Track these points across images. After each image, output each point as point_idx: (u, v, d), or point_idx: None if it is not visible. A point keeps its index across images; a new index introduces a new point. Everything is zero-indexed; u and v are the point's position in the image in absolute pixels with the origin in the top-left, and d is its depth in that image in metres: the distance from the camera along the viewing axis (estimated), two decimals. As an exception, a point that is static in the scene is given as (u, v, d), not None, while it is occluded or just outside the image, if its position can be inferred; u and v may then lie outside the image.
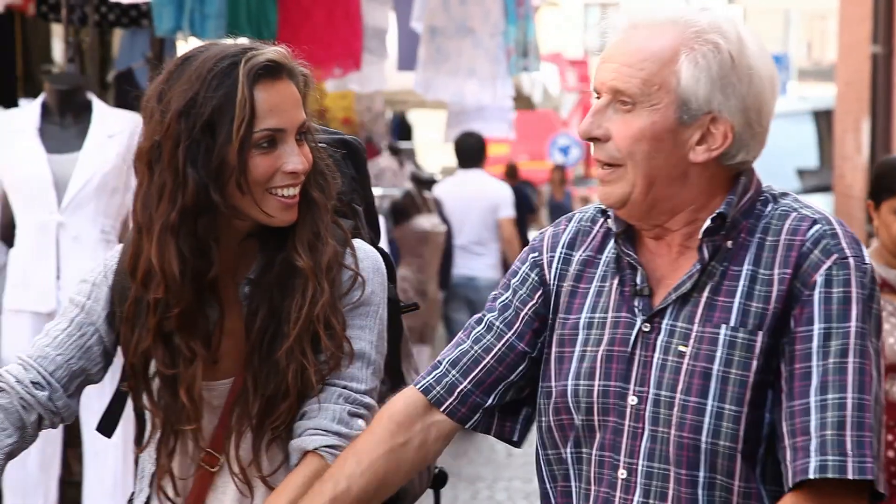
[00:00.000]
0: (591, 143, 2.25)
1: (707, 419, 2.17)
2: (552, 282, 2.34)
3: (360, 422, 2.40)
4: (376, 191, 9.92)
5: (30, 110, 5.28)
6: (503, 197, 9.74)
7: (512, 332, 2.34)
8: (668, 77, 2.20)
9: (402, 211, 9.43)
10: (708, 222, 2.21)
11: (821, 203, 13.01)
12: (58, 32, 6.93)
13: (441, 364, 2.36)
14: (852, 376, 2.14)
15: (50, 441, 5.06)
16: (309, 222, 2.41)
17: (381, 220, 9.83)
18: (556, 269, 2.34)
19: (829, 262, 2.18)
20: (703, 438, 2.18)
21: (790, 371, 2.16)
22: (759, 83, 2.23)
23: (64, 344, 2.46)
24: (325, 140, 2.51)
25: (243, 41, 2.42)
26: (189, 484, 2.45)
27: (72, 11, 5.93)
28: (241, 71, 2.34)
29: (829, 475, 2.11)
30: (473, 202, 9.62)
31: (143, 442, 2.48)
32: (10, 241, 5.22)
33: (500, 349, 2.34)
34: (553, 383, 2.31)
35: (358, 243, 2.47)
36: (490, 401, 2.33)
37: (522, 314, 2.34)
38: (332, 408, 2.40)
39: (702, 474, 2.18)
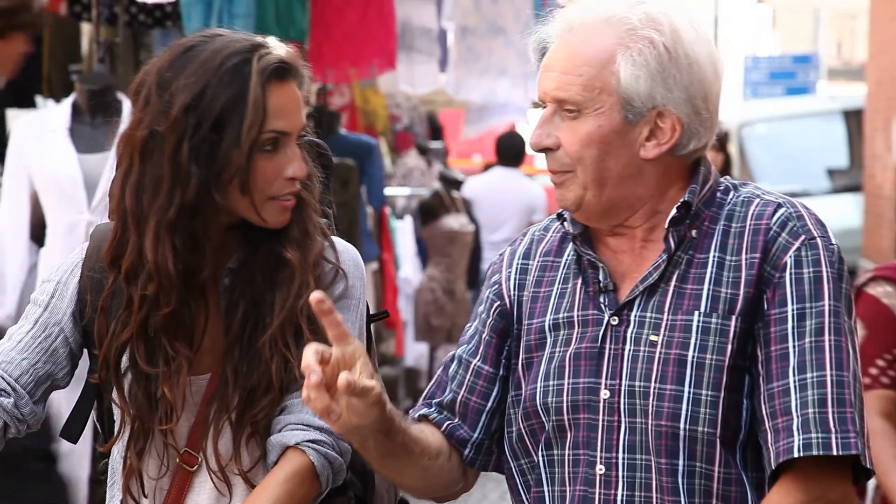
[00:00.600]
0: (544, 154, 2.24)
1: (685, 406, 2.17)
2: (511, 293, 2.33)
3: None
4: (404, 190, 9.96)
5: (60, 110, 5.30)
6: (539, 199, 9.75)
7: (476, 358, 2.34)
8: (608, 79, 2.19)
9: (431, 211, 9.44)
10: (673, 211, 2.21)
11: (851, 203, 12.97)
12: (87, 32, 6.95)
13: (432, 406, 2.35)
14: (830, 354, 2.14)
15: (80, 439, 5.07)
16: (298, 219, 2.37)
17: (409, 220, 9.87)
18: (514, 280, 2.34)
19: (797, 244, 2.19)
20: (682, 426, 2.17)
21: (766, 354, 2.17)
22: (700, 70, 2.22)
23: (29, 347, 2.39)
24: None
25: (249, 35, 2.37)
26: (164, 484, 2.38)
27: (108, 12, 5.94)
28: (254, 69, 2.28)
29: (815, 452, 2.11)
30: (511, 201, 9.63)
31: (109, 441, 2.41)
32: (40, 241, 5.24)
33: (469, 380, 2.34)
34: (522, 389, 2.29)
35: (336, 239, 2.43)
36: (476, 434, 2.32)
37: (484, 336, 2.34)
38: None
39: (681, 462, 2.18)
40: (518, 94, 7.84)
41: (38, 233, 5.25)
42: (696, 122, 2.22)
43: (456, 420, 2.33)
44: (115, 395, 2.36)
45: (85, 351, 2.44)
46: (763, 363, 2.18)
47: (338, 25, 6.03)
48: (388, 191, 8.75)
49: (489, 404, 2.33)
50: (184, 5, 5.45)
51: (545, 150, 2.23)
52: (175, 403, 2.33)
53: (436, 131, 12.44)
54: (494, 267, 2.39)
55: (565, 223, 2.30)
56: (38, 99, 6.52)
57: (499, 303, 2.34)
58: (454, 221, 9.35)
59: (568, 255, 2.31)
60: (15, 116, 6.29)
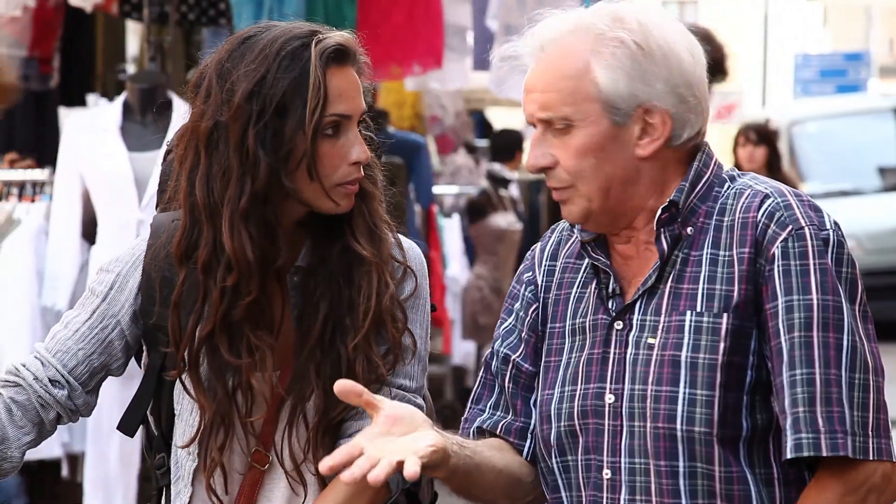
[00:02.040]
0: (544, 174, 2.23)
1: (680, 406, 2.15)
2: (541, 295, 2.34)
3: None
4: (452, 188, 9.97)
5: (112, 109, 5.34)
6: None
7: (517, 354, 2.33)
8: (587, 87, 2.18)
9: (479, 209, 9.43)
10: (659, 212, 2.20)
11: (902, 202, 12.80)
12: (134, 31, 7.00)
13: (485, 411, 2.35)
14: (818, 351, 2.11)
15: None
16: (365, 213, 2.35)
17: (457, 218, 9.84)
18: (543, 281, 2.34)
19: (784, 234, 2.15)
20: (679, 426, 2.15)
21: (769, 349, 2.15)
22: (677, 58, 2.19)
23: (85, 337, 2.36)
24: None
25: (304, 23, 2.37)
26: (236, 483, 2.37)
27: (153, 11, 5.98)
28: (314, 53, 2.27)
29: (805, 453, 2.09)
30: None
31: (186, 439, 2.37)
32: (91, 239, 5.29)
33: (510, 373, 2.33)
34: (540, 393, 2.30)
35: (399, 236, 2.42)
36: (532, 423, 2.31)
37: (523, 334, 2.33)
38: None
39: (681, 464, 2.16)
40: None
41: (89, 231, 5.29)
42: (685, 111, 2.20)
43: (509, 416, 2.32)
44: (191, 389, 2.34)
45: (145, 346, 2.42)
46: (769, 358, 2.16)
47: (384, 24, 6.05)
48: (435, 189, 8.76)
49: (534, 397, 2.32)
50: (234, 4, 5.48)
51: (543, 169, 2.22)
52: (263, 394, 2.32)
53: (485, 129, 12.44)
54: (527, 264, 2.39)
55: (576, 229, 2.30)
56: (90, 97, 6.58)
57: (536, 304, 2.34)
58: (502, 220, 9.35)
59: (587, 260, 2.30)
60: (67, 115, 6.35)
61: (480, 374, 2.39)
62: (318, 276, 2.34)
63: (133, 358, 2.46)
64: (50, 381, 2.34)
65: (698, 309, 2.17)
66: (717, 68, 6.21)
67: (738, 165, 7.18)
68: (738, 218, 2.18)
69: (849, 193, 13.07)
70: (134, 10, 6.21)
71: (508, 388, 2.33)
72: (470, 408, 2.37)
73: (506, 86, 7.75)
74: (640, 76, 2.18)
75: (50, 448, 5.27)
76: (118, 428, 2.45)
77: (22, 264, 5.27)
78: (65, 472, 5.44)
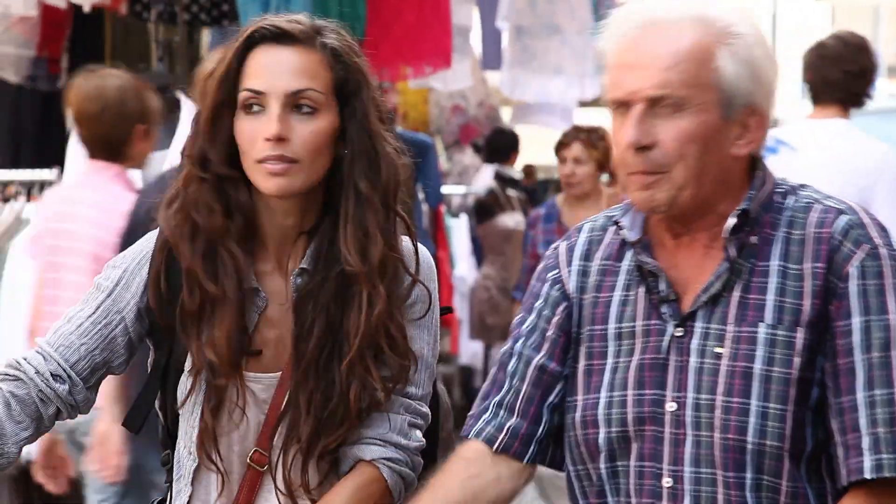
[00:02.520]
0: (631, 154, 2.17)
1: (752, 419, 2.14)
2: (574, 295, 2.30)
3: (418, 432, 2.36)
4: (459, 189, 9.97)
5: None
6: None
7: (541, 354, 2.30)
8: (709, 75, 2.15)
9: (486, 209, 9.44)
10: (733, 219, 2.18)
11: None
12: (147, 31, 7.01)
13: (489, 408, 2.32)
14: None
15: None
16: (356, 218, 2.31)
17: (464, 218, 9.85)
18: (576, 282, 2.30)
19: (860, 253, 2.15)
20: (749, 439, 2.14)
21: (834, 367, 2.14)
22: (774, 68, 2.21)
23: (88, 332, 2.34)
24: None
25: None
26: (235, 483, 2.37)
27: (164, 11, 6.00)
28: (243, 35, 2.31)
29: (886, 474, 2.09)
30: None
31: (187, 441, 2.37)
32: (100, 238, 5.28)
33: (532, 374, 2.30)
34: (580, 396, 2.27)
35: (409, 242, 2.39)
36: (540, 430, 2.29)
37: (548, 334, 2.30)
38: (395, 418, 2.33)
39: (749, 476, 2.15)
40: (573, 93, 7.82)
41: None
42: (770, 121, 2.22)
43: (515, 419, 2.30)
44: (190, 359, 2.34)
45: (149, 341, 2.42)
46: (831, 376, 2.14)
47: (395, 25, 6.04)
48: (443, 189, 8.76)
49: (553, 399, 2.30)
50: (241, 4, 5.49)
51: (642, 148, 2.16)
52: (255, 395, 2.33)
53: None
54: (550, 262, 2.35)
55: (622, 231, 2.26)
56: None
57: (565, 303, 2.30)
58: (509, 220, 9.35)
59: (628, 262, 2.27)
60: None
61: (493, 370, 2.37)
62: (314, 298, 2.32)
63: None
64: (51, 375, 2.32)
65: (768, 321, 2.15)
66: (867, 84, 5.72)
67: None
68: (812, 232, 2.18)
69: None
70: (144, 9, 6.22)
71: (526, 390, 2.30)
72: (477, 404, 2.35)
73: (518, 87, 7.75)
74: (757, 77, 2.18)
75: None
76: (122, 424, 2.44)
77: (30, 264, 5.27)
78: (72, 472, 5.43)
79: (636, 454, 2.21)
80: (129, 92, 4.43)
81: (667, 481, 2.19)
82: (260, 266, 2.36)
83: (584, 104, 9.27)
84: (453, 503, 2.25)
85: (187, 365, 2.36)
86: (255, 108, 2.29)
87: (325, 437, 2.30)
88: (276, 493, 2.34)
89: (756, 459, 2.15)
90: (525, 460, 2.30)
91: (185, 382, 2.37)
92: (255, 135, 2.28)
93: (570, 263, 2.32)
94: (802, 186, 2.25)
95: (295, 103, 2.29)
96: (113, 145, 4.41)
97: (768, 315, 2.16)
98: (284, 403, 2.33)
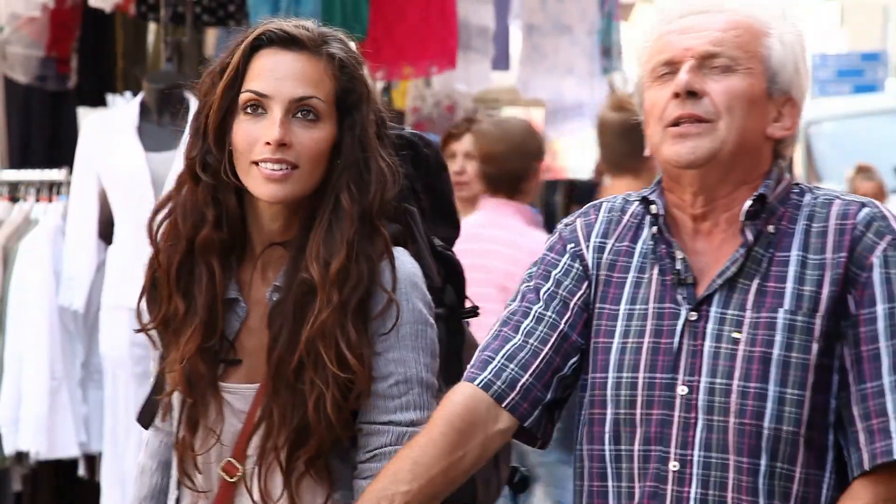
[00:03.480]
0: (678, 99, 2.21)
1: (769, 404, 2.16)
2: (591, 270, 2.31)
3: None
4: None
5: (129, 109, 5.35)
6: None
7: (564, 321, 2.28)
8: (761, 49, 2.24)
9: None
10: (749, 203, 2.21)
11: (920, 202, 12.79)
12: (152, 32, 7.02)
13: (495, 359, 2.26)
14: None
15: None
16: (328, 229, 2.28)
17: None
18: (593, 258, 2.31)
19: (883, 244, 2.19)
20: (766, 424, 2.16)
21: (857, 354, 2.16)
22: (807, 69, 2.30)
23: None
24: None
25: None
26: (212, 495, 2.35)
27: (168, 11, 6.00)
28: (248, 37, 2.29)
29: None
30: None
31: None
32: (108, 239, 5.30)
33: (556, 340, 2.27)
34: (589, 375, 2.27)
35: (395, 256, 2.31)
36: (549, 396, 2.27)
37: (572, 304, 2.29)
38: (393, 451, 2.26)
39: (763, 462, 2.16)
40: (584, 92, 7.81)
41: (106, 231, 5.31)
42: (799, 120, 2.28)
43: (529, 378, 2.25)
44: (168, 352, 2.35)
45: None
46: (853, 363, 2.16)
47: (399, 24, 6.04)
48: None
49: (566, 370, 2.28)
50: (251, 5, 5.50)
51: (691, 93, 2.21)
52: (232, 406, 2.33)
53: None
54: (567, 235, 2.34)
55: (653, 206, 2.27)
56: (110, 97, 6.60)
57: (587, 279, 2.30)
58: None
59: (644, 244, 2.29)
60: (85, 115, 6.37)
61: (496, 327, 2.31)
62: (280, 309, 2.29)
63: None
64: None
65: (787, 307, 2.18)
66: None
67: None
68: (834, 224, 2.22)
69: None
70: (150, 10, 6.23)
71: (547, 354, 2.26)
72: (478, 355, 2.29)
73: (531, 86, 7.75)
74: (798, 68, 2.26)
75: (67, 448, 5.29)
76: (137, 419, 2.46)
77: (39, 264, 5.29)
78: (82, 471, 5.45)
79: (641, 438, 2.21)
80: (528, 132, 4.96)
81: (674, 465, 2.20)
82: (244, 274, 2.35)
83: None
84: (434, 485, 2.21)
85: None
86: (258, 110, 2.28)
87: (298, 448, 2.27)
88: (251, 495, 2.31)
89: (772, 445, 2.16)
90: (527, 423, 2.26)
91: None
92: (255, 137, 2.27)
93: (588, 239, 2.33)
94: (818, 187, 2.29)
95: (298, 110, 2.28)
96: (515, 182, 4.86)
97: (787, 302, 2.18)
98: (258, 415, 2.30)
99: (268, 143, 2.26)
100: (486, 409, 2.25)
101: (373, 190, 2.30)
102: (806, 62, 2.29)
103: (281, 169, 2.26)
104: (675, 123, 2.21)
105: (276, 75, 2.27)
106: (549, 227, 10.16)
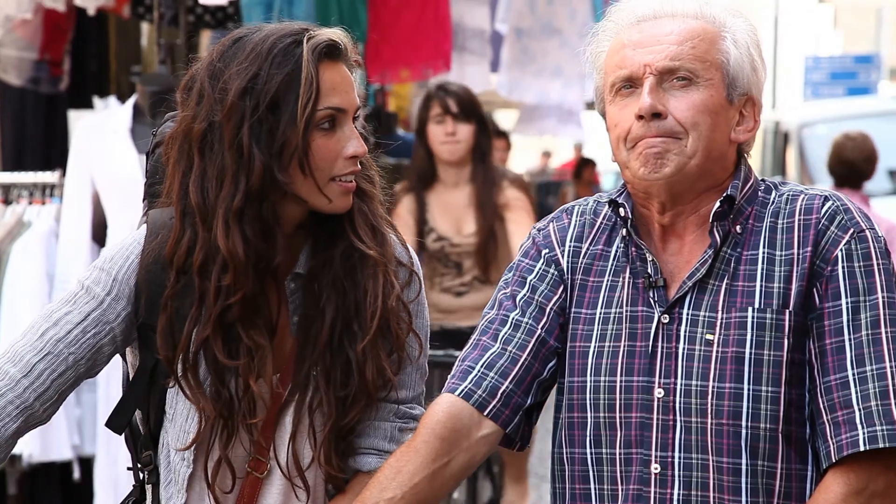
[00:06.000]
0: (643, 121, 2.22)
1: (746, 403, 2.17)
2: (566, 276, 2.33)
3: (409, 435, 2.34)
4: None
5: (122, 111, 5.35)
6: None
7: (541, 327, 2.31)
8: (718, 56, 2.23)
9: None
10: (717, 205, 2.22)
11: (914, 205, 12.83)
12: (146, 34, 7.02)
13: (475, 368, 2.29)
14: (888, 346, 2.15)
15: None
16: (366, 212, 2.34)
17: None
18: (568, 262, 2.33)
19: (846, 237, 2.20)
20: (744, 423, 2.17)
21: (821, 347, 2.17)
22: (765, 67, 2.30)
23: (78, 341, 2.31)
24: None
25: (295, 22, 2.37)
26: (234, 491, 2.35)
27: (167, 14, 6.00)
28: (306, 48, 2.27)
29: (881, 445, 2.12)
30: None
31: (184, 443, 2.33)
32: (102, 241, 5.29)
33: (534, 345, 2.30)
34: (566, 379, 2.29)
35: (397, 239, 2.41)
36: (528, 401, 2.30)
37: (548, 309, 2.31)
38: (384, 426, 2.34)
39: (744, 461, 2.17)
40: (573, 94, 7.81)
41: (99, 233, 5.30)
42: (761, 116, 2.27)
43: (509, 385, 2.28)
44: (189, 393, 2.31)
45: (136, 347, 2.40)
46: (817, 356, 2.18)
47: (394, 27, 6.05)
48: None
49: (544, 374, 2.31)
50: (244, 7, 5.50)
51: (655, 115, 2.22)
52: (261, 396, 2.30)
53: (496, 133, 12.44)
54: (540, 241, 2.36)
55: (621, 209, 2.28)
56: (95, 100, 6.59)
57: (562, 285, 2.33)
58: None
59: (617, 247, 2.30)
60: (77, 118, 6.36)
61: (474, 336, 2.34)
62: (322, 280, 2.32)
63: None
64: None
65: (757, 305, 2.19)
66: None
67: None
68: (799, 219, 2.23)
69: (858, 196, 13.03)
70: (147, 11, 6.23)
71: (526, 360, 2.29)
72: (458, 365, 2.32)
73: (517, 89, 7.75)
74: (754, 69, 2.26)
75: (60, 450, 5.28)
76: (106, 424, 2.42)
77: (32, 266, 5.28)
78: (76, 474, 5.44)
79: (622, 441, 2.23)
80: None
81: (655, 467, 2.21)
82: None
83: (591, 106, 9.25)
84: (418, 493, 2.23)
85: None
86: (334, 125, 2.29)
87: (345, 415, 2.30)
88: (289, 480, 2.31)
89: (751, 443, 2.17)
90: (507, 429, 2.29)
91: (175, 392, 2.35)
92: (335, 152, 2.29)
93: (563, 244, 2.35)
94: (783, 183, 2.31)
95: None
96: None
97: (757, 300, 2.20)
98: (292, 385, 2.31)
99: (353, 157, 2.30)
100: (469, 418, 2.27)
101: (376, 176, 2.40)
102: (761, 54, 2.29)
103: (353, 180, 2.33)
104: (649, 137, 2.23)
105: (343, 88, 2.31)
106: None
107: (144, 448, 2.41)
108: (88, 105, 6.38)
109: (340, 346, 2.31)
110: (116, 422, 2.40)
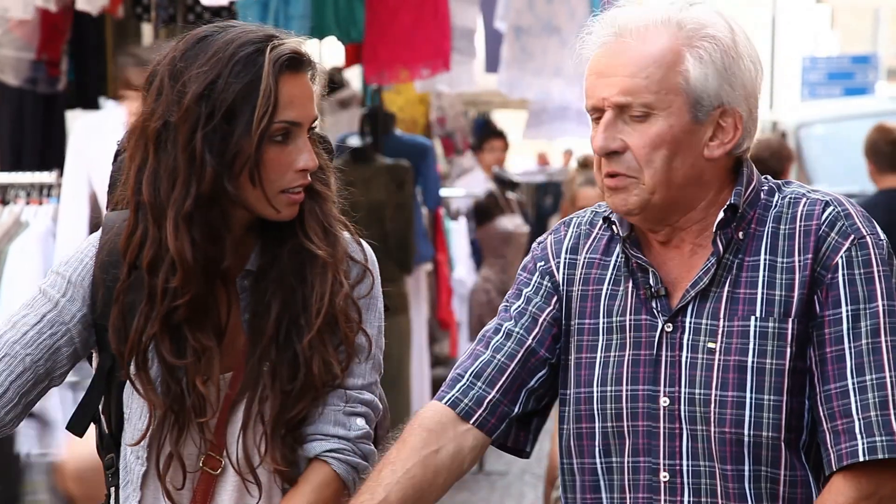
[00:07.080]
0: (602, 158, 2.22)
1: (748, 412, 2.17)
2: (563, 287, 2.33)
3: (360, 420, 2.35)
4: (459, 191, 9.97)
5: (119, 111, 5.34)
6: None
7: (532, 337, 2.32)
8: (676, 79, 2.18)
9: (485, 211, 9.44)
10: (721, 214, 2.21)
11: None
12: (146, 33, 7.01)
13: (464, 377, 2.32)
14: (888, 355, 2.14)
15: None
16: (317, 213, 2.35)
17: (463, 221, 9.87)
18: (564, 274, 2.33)
19: (847, 244, 2.18)
20: (746, 431, 2.17)
21: (821, 355, 2.17)
22: (752, 68, 2.23)
23: (34, 342, 2.32)
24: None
25: (263, 26, 2.36)
26: (188, 488, 2.35)
27: (162, 14, 6.00)
28: (268, 59, 2.26)
29: (880, 456, 2.11)
30: None
31: (134, 438, 2.34)
32: (99, 241, 5.28)
33: (522, 355, 2.31)
34: (572, 390, 2.29)
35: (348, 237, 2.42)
36: (516, 409, 2.31)
37: (541, 320, 2.32)
38: (329, 410, 2.34)
39: (747, 468, 2.17)
40: (573, 93, 7.82)
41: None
42: (751, 121, 2.24)
43: (496, 394, 2.30)
44: (141, 389, 2.32)
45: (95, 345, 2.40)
46: (818, 364, 2.17)
47: (392, 27, 6.05)
48: (442, 191, 8.77)
49: (533, 383, 2.31)
50: (239, 6, 5.49)
51: (610, 153, 2.21)
52: (207, 397, 2.31)
53: (494, 133, 12.44)
54: (539, 254, 2.37)
55: (613, 226, 2.29)
56: (102, 100, 6.59)
57: (556, 295, 2.33)
58: (509, 222, 9.36)
59: (617, 256, 2.30)
60: (75, 117, 6.36)
61: (472, 346, 2.37)
62: (269, 277, 2.33)
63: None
64: None
65: (759, 314, 2.18)
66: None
67: None
68: (800, 225, 2.21)
69: (856, 196, 13.03)
70: (145, 11, 6.23)
71: (513, 370, 2.31)
72: (451, 372, 2.35)
73: (517, 87, 7.75)
74: (727, 77, 2.20)
75: (57, 449, 5.27)
76: (67, 428, 2.42)
77: (30, 266, 5.27)
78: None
79: (630, 450, 2.23)
80: None
81: (664, 476, 2.21)
82: None
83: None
84: (413, 479, 2.24)
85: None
86: (287, 138, 2.29)
87: (290, 409, 2.31)
88: (239, 476, 2.33)
89: (753, 451, 2.17)
90: (493, 437, 2.31)
91: (130, 390, 2.36)
92: (286, 165, 2.29)
93: (558, 255, 2.35)
94: (787, 183, 2.28)
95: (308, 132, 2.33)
96: None
97: (759, 308, 2.19)
98: (242, 383, 2.33)
99: (302, 170, 2.30)
100: (454, 426, 2.29)
101: (331, 178, 2.41)
102: (746, 64, 2.22)
103: (302, 192, 2.33)
104: (608, 175, 2.23)
105: (300, 100, 2.30)
106: (540, 229, 10.27)
107: (107, 451, 2.42)
108: (95, 106, 6.38)
109: (287, 340, 2.32)
110: (76, 424, 2.41)
